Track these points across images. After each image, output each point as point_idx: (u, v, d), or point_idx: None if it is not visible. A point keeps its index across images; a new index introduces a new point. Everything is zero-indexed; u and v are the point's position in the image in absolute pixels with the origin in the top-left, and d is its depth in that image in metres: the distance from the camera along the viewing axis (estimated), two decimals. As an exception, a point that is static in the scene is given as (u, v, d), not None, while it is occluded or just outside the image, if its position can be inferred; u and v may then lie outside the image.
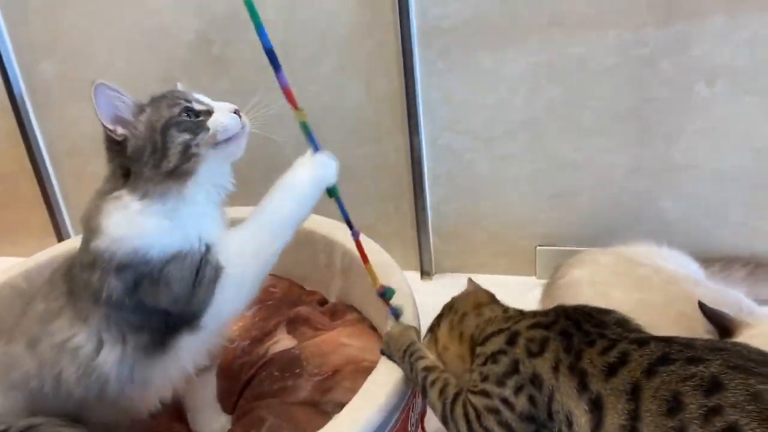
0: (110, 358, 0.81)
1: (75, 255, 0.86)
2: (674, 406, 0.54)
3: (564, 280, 1.10)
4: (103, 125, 0.79)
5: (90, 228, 0.81)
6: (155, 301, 0.79)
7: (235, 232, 0.84)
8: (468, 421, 0.68)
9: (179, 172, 0.78)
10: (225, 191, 0.85)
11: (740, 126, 1.19)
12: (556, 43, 1.21)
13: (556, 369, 0.62)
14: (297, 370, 1.02)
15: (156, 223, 0.78)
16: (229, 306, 0.82)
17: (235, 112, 0.82)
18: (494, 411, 0.66)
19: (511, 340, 0.67)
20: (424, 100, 1.33)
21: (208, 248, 0.80)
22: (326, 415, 0.94)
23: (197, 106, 0.81)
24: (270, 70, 0.77)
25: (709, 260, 1.15)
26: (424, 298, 0.97)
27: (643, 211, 1.32)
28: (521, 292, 1.23)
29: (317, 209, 1.30)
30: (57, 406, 0.84)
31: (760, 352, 0.58)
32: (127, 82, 1.51)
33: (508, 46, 1.24)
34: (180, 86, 0.88)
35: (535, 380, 0.64)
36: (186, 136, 0.78)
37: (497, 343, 0.68)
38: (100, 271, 0.79)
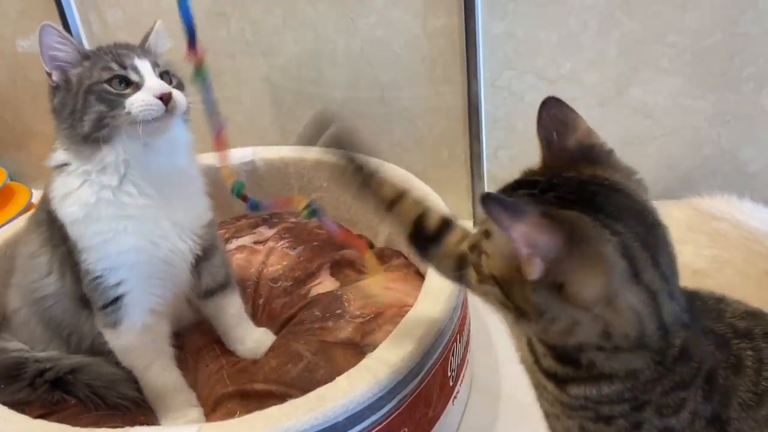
0: (51, 287, 0.87)
1: None
2: None
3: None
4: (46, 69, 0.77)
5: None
6: None
7: None
8: None
9: (93, 139, 0.76)
10: (135, 170, 0.80)
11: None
12: (635, -30, 1.09)
13: (692, 422, 0.50)
14: (338, 311, 0.98)
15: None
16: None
17: (161, 97, 0.76)
18: None
19: (638, 408, 0.51)
20: (484, 36, 1.24)
21: None
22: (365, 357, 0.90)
23: (131, 76, 0.77)
24: None
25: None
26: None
27: (722, 161, 1.20)
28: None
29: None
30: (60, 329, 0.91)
31: None
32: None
33: (580, -26, 1.13)
34: (159, 26, 0.85)
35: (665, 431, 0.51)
36: (102, 108, 0.75)
37: (617, 410, 0.51)
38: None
